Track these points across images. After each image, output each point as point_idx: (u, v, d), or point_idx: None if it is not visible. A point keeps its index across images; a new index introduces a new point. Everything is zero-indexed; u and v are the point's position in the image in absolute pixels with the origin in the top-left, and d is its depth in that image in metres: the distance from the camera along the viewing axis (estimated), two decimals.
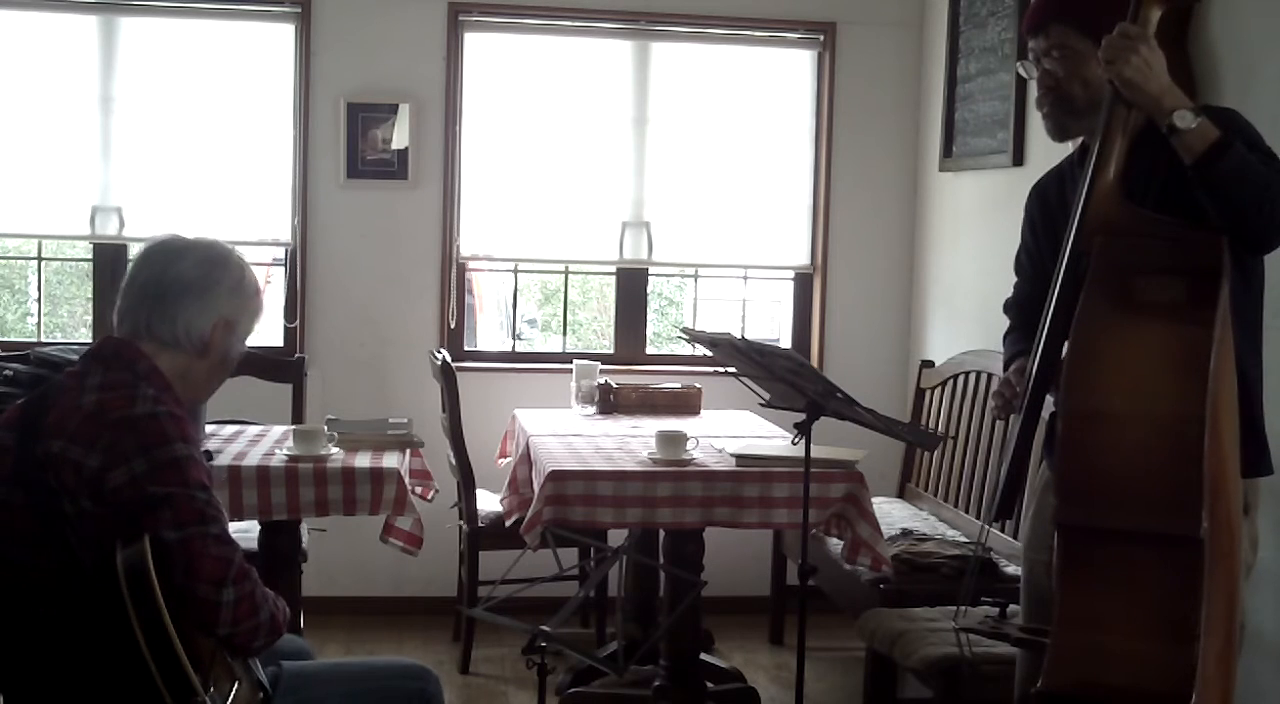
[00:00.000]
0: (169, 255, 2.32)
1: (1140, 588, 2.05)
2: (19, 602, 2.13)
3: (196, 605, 2.06)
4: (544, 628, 2.64)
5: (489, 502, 4.49)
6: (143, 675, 1.99)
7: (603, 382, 4.75)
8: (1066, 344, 2.26)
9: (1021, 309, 2.83)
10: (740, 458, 3.74)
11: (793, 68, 5.36)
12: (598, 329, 7.10)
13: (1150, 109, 2.29)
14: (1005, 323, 2.95)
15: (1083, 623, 2.07)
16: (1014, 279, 2.94)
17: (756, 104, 5.32)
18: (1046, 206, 2.71)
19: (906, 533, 4.20)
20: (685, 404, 4.77)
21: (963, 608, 2.83)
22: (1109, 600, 2.06)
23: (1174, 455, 2.06)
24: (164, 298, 2.28)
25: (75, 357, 3.77)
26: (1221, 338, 2.13)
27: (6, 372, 3.68)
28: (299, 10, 5.01)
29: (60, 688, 2.13)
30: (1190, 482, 2.04)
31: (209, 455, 2.69)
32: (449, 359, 4.51)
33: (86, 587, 2.06)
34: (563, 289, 5.77)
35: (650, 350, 5.48)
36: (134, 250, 5.22)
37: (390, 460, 3.68)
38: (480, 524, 4.44)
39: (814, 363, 5.28)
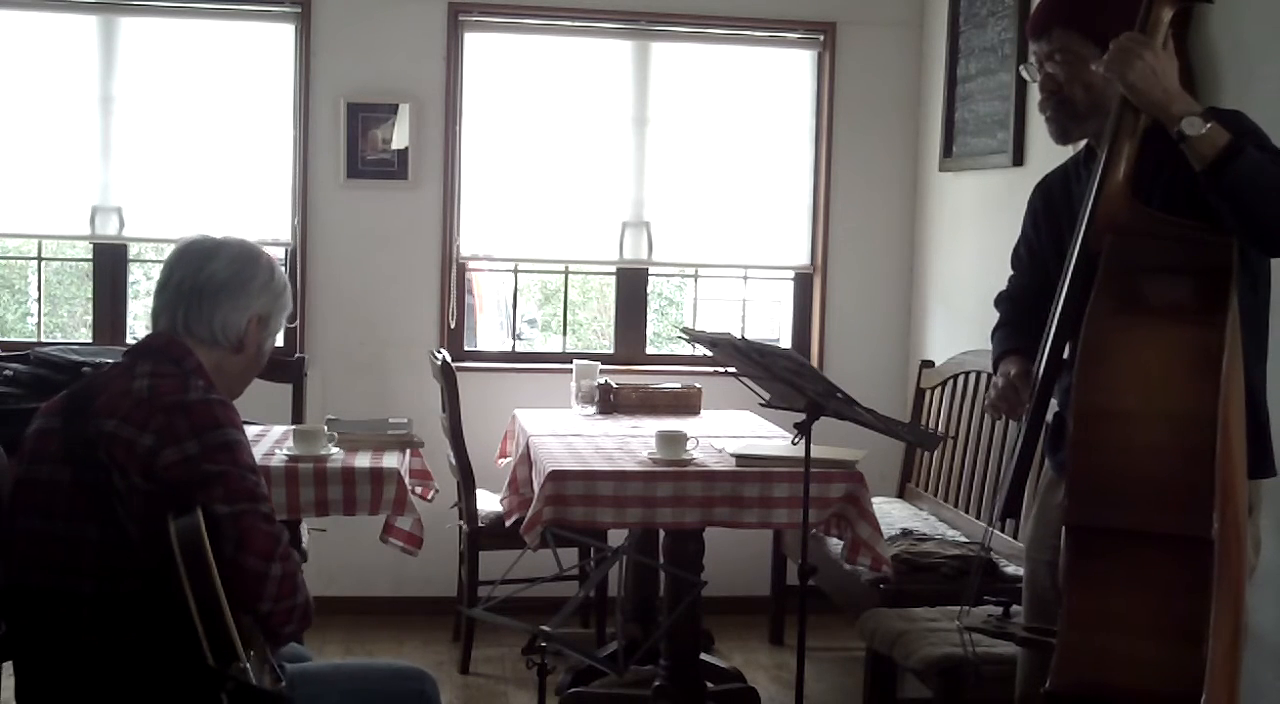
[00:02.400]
0: (202, 255, 2.37)
1: (1150, 589, 2.05)
2: (59, 576, 2.16)
3: (244, 577, 2.11)
4: (544, 628, 2.64)
5: (489, 502, 4.49)
6: (184, 643, 2.02)
7: (603, 382, 4.75)
8: (1077, 344, 2.25)
9: (1015, 303, 2.82)
10: (740, 458, 3.74)
11: (793, 68, 5.36)
12: (598, 329, 7.09)
13: (1158, 113, 2.28)
14: None
15: (1091, 624, 2.07)
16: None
17: (756, 104, 5.32)
18: (1050, 202, 2.71)
19: (906, 533, 4.20)
20: (685, 404, 4.77)
21: (966, 607, 2.83)
22: (1118, 601, 2.06)
23: (1186, 456, 2.05)
24: (200, 297, 2.33)
25: (76, 356, 3.79)
26: (1232, 339, 2.13)
27: (6, 371, 3.68)
28: (299, 10, 5.01)
29: (82, 675, 2.16)
30: (1202, 482, 2.04)
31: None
32: (449, 359, 4.51)
33: (132, 558, 2.11)
34: (563, 289, 5.77)
35: (650, 350, 5.48)
36: (134, 250, 5.23)
37: (390, 460, 3.68)
38: (480, 524, 4.44)
39: (814, 363, 5.28)
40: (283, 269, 2.51)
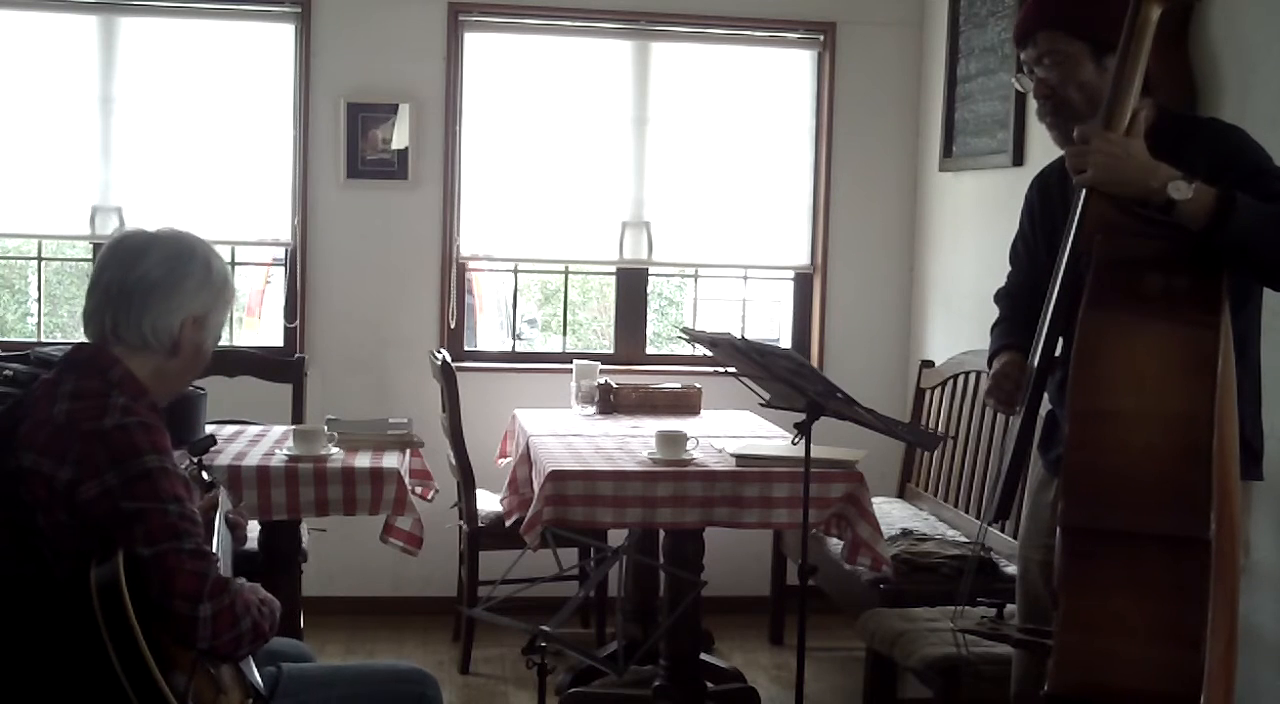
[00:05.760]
0: (132, 254, 2.28)
1: (1147, 590, 2.04)
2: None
3: (174, 621, 2.04)
4: (544, 628, 2.64)
5: (489, 502, 4.49)
6: (117, 690, 1.98)
7: (603, 382, 4.75)
8: (1069, 342, 2.24)
9: (1013, 299, 2.82)
10: (740, 458, 3.74)
11: (793, 68, 5.36)
12: (598, 329, 7.10)
13: (1139, 194, 2.22)
14: None
15: (1088, 625, 2.06)
16: None
17: (756, 104, 5.32)
18: (1047, 196, 2.70)
19: (906, 533, 4.20)
20: (685, 404, 4.77)
21: (960, 608, 2.83)
22: (1115, 603, 2.05)
23: (1183, 455, 2.05)
24: (129, 301, 2.24)
25: None
26: (1225, 338, 2.12)
27: (6, 371, 3.68)
28: (299, 10, 5.01)
29: (36, 701, 2.11)
30: (1199, 482, 2.03)
31: (212, 440, 2.65)
32: (449, 359, 4.51)
33: (60, 600, 2.03)
34: (563, 289, 5.77)
35: (650, 350, 5.48)
36: None
37: (390, 460, 3.68)
38: (480, 524, 4.44)
39: (814, 363, 5.28)
40: (222, 260, 2.37)
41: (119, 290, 2.24)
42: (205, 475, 2.49)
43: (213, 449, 3.09)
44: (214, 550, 2.20)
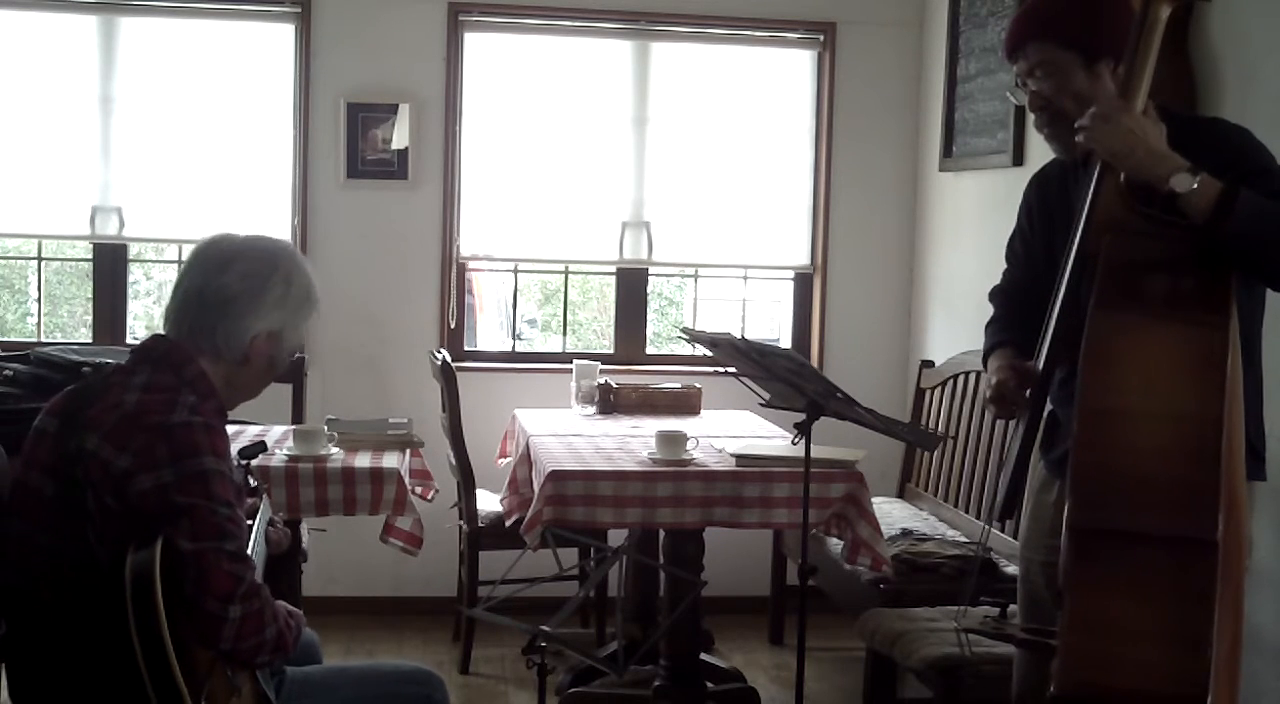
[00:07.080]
0: (216, 263, 2.29)
1: (1154, 591, 2.04)
2: (39, 589, 2.14)
3: (202, 618, 2.06)
4: (544, 628, 2.64)
5: (489, 502, 4.49)
6: (134, 677, 1.99)
7: (603, 382, 4.75)
8: (1073, 343, 2.24)
9: (1007, 297, 2.82)
10: (740, 458, 3.74)
11: (793, 68, 5.36)
12: (598, 329, 7.09)
13: (1144, 176, 2.23)
14: None
15: (1094, 627, 2.06)
16: None
17: (756, 104, 5.32)
18: (1045, 196, 2.70)
19: (906, 533, 4.20)
20: (685, 404, 4.77)
21: (963, 608, 2.83)
22: (1121, 604, 2.05)
23: (1192, 456, 2.04)
24: (205, 309, 2.26)
25: (76, 356, 3.79)
26: (1234, 339, 2.12)
27: (6, 371, 3.69)
28: (299, 10, 5.01)
29: (63, 680, 2.14)
30: (1207, 483, 2.03)
31: (263, 446, 2.66)
32: (449, 359, 4.51)
33: (101, 584, 2.06)
34: (563, 289, 5.77)
35: (650, 350, 5.48)
36: (134, 250, 5.23)
37: (390, 460, 3.68)
38: (480, 524, 4.44)
39: (814, 363, 5.28)
40: (304, 275, 2.35)
41: (198, 298, 2.27)
42: (251, 480, 2.50)
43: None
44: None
